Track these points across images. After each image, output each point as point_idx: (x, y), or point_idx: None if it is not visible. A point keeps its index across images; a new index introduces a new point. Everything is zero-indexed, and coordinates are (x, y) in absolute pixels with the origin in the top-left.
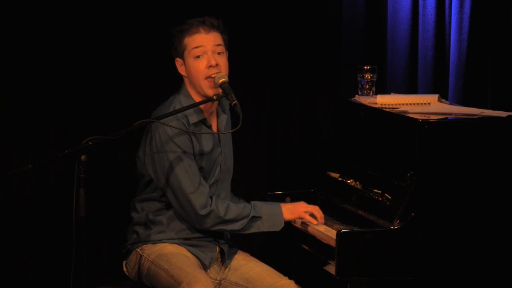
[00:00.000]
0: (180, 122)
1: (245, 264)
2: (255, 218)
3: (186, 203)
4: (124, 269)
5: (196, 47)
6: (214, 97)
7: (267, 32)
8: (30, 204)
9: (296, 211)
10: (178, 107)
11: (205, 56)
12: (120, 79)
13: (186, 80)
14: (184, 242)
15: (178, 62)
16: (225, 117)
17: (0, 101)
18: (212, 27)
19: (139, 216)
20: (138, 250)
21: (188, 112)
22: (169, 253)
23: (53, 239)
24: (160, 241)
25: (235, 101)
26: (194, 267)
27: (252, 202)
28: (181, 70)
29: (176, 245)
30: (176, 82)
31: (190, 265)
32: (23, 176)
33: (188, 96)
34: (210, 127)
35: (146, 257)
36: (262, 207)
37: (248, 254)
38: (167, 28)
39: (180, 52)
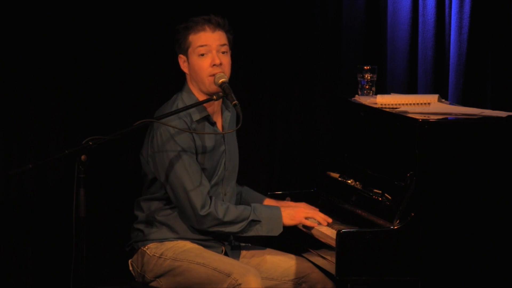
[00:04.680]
0: (182, 121)
1: (253, 257)
2: (254, 222)
3: (185, 202)
4: (130, 268)
5: (201, 46)
6: (214, 97)
7: (267, 32)
8: (30, 204)
9: (296, 217)
10: (181, 105)
11: (209, 55)
12: (120, 79)
13: (188, 78)
14: (191, 241)
15: (181, 58)
16: (228, 115)
17: (0, 101)
18: (218, 26)
19: (144, 215)
20: (143, 248)
21: (191, 110)
22: (195, 248)
23: (53, 239)
24: (166, 239)
25: (235, 101)
26: (232, 259)
27: (253, 205)
28: (184, 67)
29: (188, 242)
30: (176, 82)
31: (226, 257)
32: (23, 176)
33: (191, 93)
34: (214, 124)
35: (159, 256)
36: (262, 211)
37: (253, 247)
38: (167, 28)
39: (184, 49)
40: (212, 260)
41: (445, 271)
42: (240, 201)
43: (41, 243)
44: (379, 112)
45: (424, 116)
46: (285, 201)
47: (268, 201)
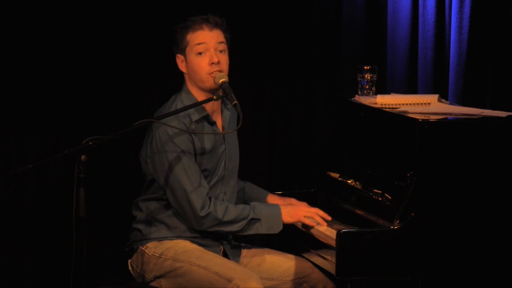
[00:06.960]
0: (180, 122)
1: (253, 257)
2: (253, 220)
3: (185, 203)
4: (130, 268)
5: (199, 44)
6: (215, 97)
7: (267, 32)
8: (30, 204)
9: (296, 214)
10: (180, 106)
11: (207, 53)
12: (120, 79)
13: (186, 77)
14: (190, 240)
15: (179, 58)
16: (228, 114)
17: (0, 101)
18: (216, 25)
19: (143, 214)
20: (142, 248)
21: (190, 110)
22: (196, 250)
23: (53, 239)
24: (165, 238)
25: (235, 101)
26: (234, 263)
27: (252, 204)
28: (182, 66)
29: (188, 242)
30: (176, 82)
31: (228, 261)
32: (23, 176)
33: (189, 93)
34: (214, 123)
35: (159, 256)
36: (261, 209)
37: (253, 247)
38: (167, 28)
39: (182, 48)
40: (213, 263)
41: (445, 271)
42: (243, 197)
43: (41, 243)
44: (379, 112)
45: (424, 116)
46: (288, 198)
47: (271, 197)
